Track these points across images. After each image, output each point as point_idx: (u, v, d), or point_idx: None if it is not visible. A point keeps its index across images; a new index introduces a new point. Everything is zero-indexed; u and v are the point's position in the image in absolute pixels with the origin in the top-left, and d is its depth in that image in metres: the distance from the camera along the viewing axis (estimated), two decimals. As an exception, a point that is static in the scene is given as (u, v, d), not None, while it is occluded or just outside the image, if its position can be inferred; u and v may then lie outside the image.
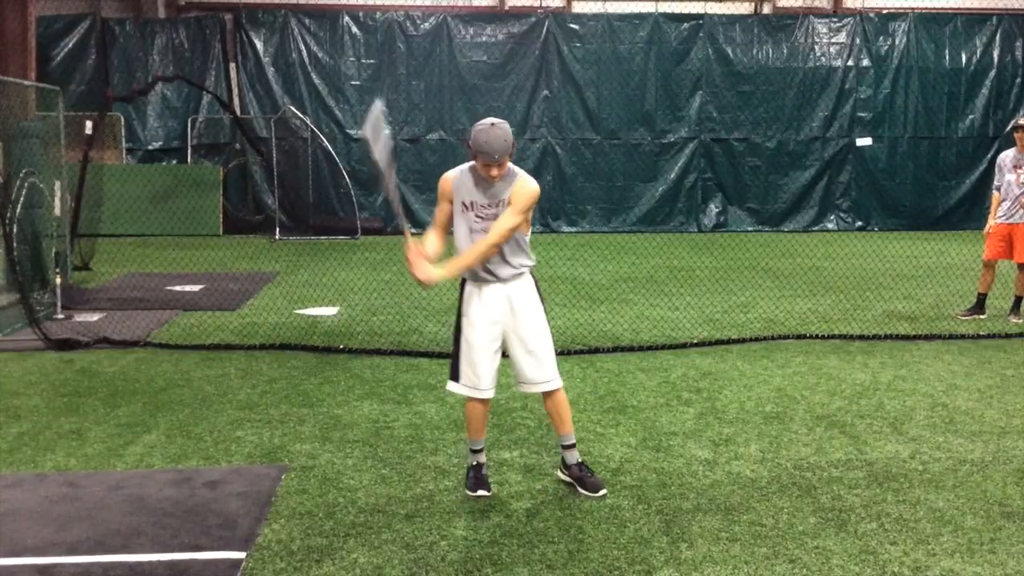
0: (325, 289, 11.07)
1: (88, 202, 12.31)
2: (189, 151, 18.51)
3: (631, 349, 8.02)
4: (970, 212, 18.95)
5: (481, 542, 4.16)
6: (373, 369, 7.38)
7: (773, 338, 8.45)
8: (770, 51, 18.89)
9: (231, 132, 18.51)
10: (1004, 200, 9.26)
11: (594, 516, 4.45)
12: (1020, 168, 9.14)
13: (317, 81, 18.52)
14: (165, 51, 18.53)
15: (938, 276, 11.46)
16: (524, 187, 4.49)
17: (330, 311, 9.93)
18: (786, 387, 6.82)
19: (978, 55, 19.00)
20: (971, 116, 19.14)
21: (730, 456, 5.30)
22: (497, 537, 4.21)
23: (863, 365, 7.49)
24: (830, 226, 19.20)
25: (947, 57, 18.99)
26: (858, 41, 18.94)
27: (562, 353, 6.97)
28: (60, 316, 9.30)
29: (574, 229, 18.83)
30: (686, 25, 18.71)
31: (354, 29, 18.50)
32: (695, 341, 8.31)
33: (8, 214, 9.09)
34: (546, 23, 18.64)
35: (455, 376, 4.71)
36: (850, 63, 18.97)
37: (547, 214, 18.55)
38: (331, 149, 17.93)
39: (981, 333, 8.66)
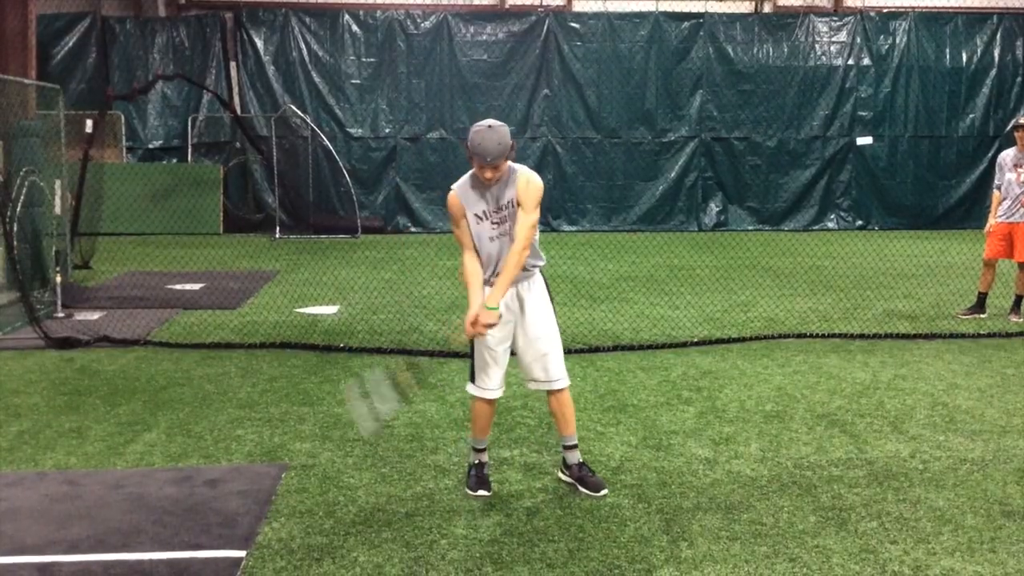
0: (325, 288, 11.07)
1: (88, 201, 12.31)
2: (189, 150, 18.52)
3: (631, 348, 8.02)
4: (970, 211, 18.95)
5: (481, 541, 4.16)
6: (373, 368, 7.37)
7: (773, 337, 8.45)
8: (771, 50, 18.89)
9: (231, 131, 18.52)
10: (1004, 199, 9.26)
11: (594, 515, 4.45)
12: (1020, 167, 9.14)
13: (317, 80, 18.52)
14: (165, 49, 18.54)
15: (938, 275, 11.46)
16: (528, 185, 4.48)
17: (330, 310, 9.93)
18: (786, 386, 6.82)
19: (979, 54, 19.00)
20: (971, 115, 19.13)
21: (730, 455, 5.30)
22: (497, 536, 4.21)
23: (863, 364, 7.49)
24: (830, 225, 19.20)
25: (948, 56, 18.98)
26: (859, 40, 18.93)
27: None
28: (60, 314, 9.30)
29: (574, 228, 18.83)
30: (686, 24, 18.71)
31: (354, 27, 18.50)
32: (695, 340, 8.31)
33: (8, 212, 9.09)
34: (546, 22, 18.63)
35: (472, 378, 4.73)
36: (851, 62, 18.97)
37: (547, 213, 18.55)
38: (331, 148, 17.94)
39: (981, 332, 8.65)
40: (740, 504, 4.58)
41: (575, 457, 4.81)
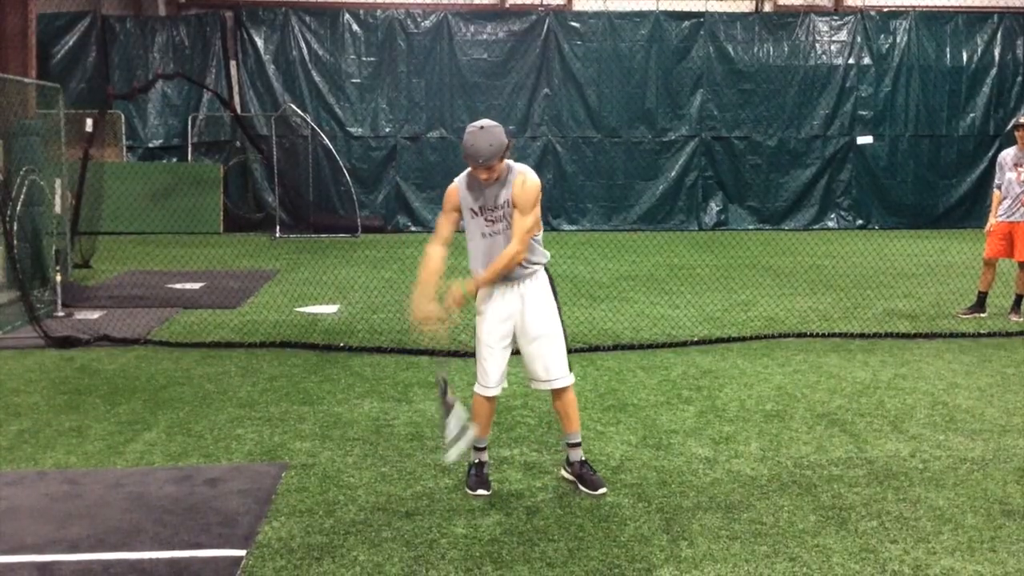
0: (325, 287, 11.07)
1: (88, 200, 12.31)
2: (189, 149, 18.52)
3: (631, 347, 8.02)
4: (971, 210, 18.94)
5: (481, 540, 4.16)
6: (373, 367, 7.38)
7: (774, 336, 8.45)
8: (771, 49, 18.88)
9: (231, 130, 18.52)
10: (1005, 198, 9.25)
11: (594, 514, 4.45)
12: (1021, 166, 9.13)
13: (317, 79, 18.51)
14: (165, 49, 18.53)
15: (939, 274, 11.46)
16: (524, 186, 4.47)
17: (330, 309, 9.93)
18: (786, 385, 6.82)
19: (979, 53, 18.99)
20: (972, 114, 19.12)
21: (730, 454, 5.30)
22: (497, 535, 4.21)
23: (863, 363, 7.49)
24: (831, 224, 19.19)
25: (948, 55, 18.97)
26: (859, 39, 18.92)
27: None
28: (60, 314, 9.30)
29: (575, 227, 18.83)
30: (687, 23, 18.70)
31: (354, 27, 18.49)
32: (695, 339, 8.31)
33: (8, 212, 9.09)
34: (547, 21, 18.63)
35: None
36: (851, 61, 18.96)
37: (548, 212, 18.53)
38: (331, 147, 17.93)
39: (982, 331, 8.65)
40: (740, 503, 4.58)
41: (577, 455, 4.82)
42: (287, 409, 6.22)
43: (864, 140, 19.05)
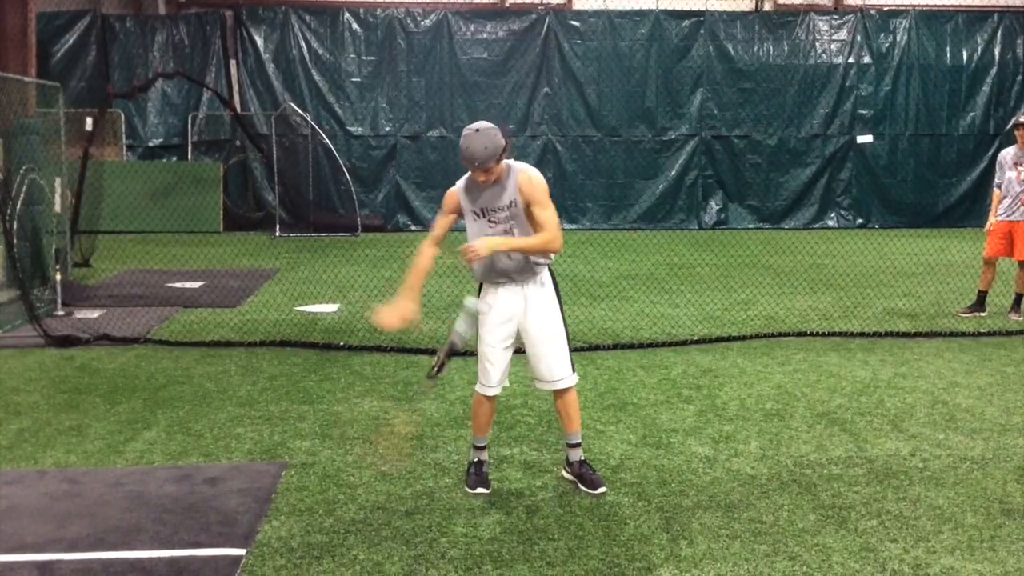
0: (325, 286, 11.07)
1: (88, 199, 12.29)
2: (189, 148, 18.51)
3: (631, 346, 8.02)
4: (971, 209, 18.92)
5: (481, 539, 4.16)
6: (373, 366, 7.38)
7: (773, 335, 8.45)
8: (771, 48, 18.87)
9: (231, 129, 18.50)
10: (1005, 197, 9.25)
11: (594, 513, 4.45)
12: (1021, 165, 9.13)
13: (317, 78, 18.50)
14: (165, 47, 18.52)
15: (939, 273, 11.46)
16: (532, 183, 4.46)
17: (330, 308, 9.93)
18: (786, 384, 6.82)
19: (979, 52, 18.97)
20: (972, 113, 19.11)
21: (730, 453, 5.30)
22: (497, 534, 4.21)
23: (863, 362, 7.49)
24: (831, 223, 19.18)
25: (948, 54, 18.96)
26: (859, 38, 18.91)
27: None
28: (60, 313, 9.30)
29: (574, 226, 18.81)
30: (687, 22, 18.69)
31: (354, 26, 18.48)
32: (695, 338, 8.30)
33: (8, 211, 9.09)
34: (547, 20, 18.62)
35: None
36: (851, 60, 18.94)
37: (548, 211, 18.51)
38: (331, 146, 17.92)
39: (981, 331, 8.65)
40: (740, 502, 4.58)
41: (577, 455, 4.82)
42: (287, 408, 6.23)
43: (864, 139, 19.04)
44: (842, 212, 19.28)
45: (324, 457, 5.24)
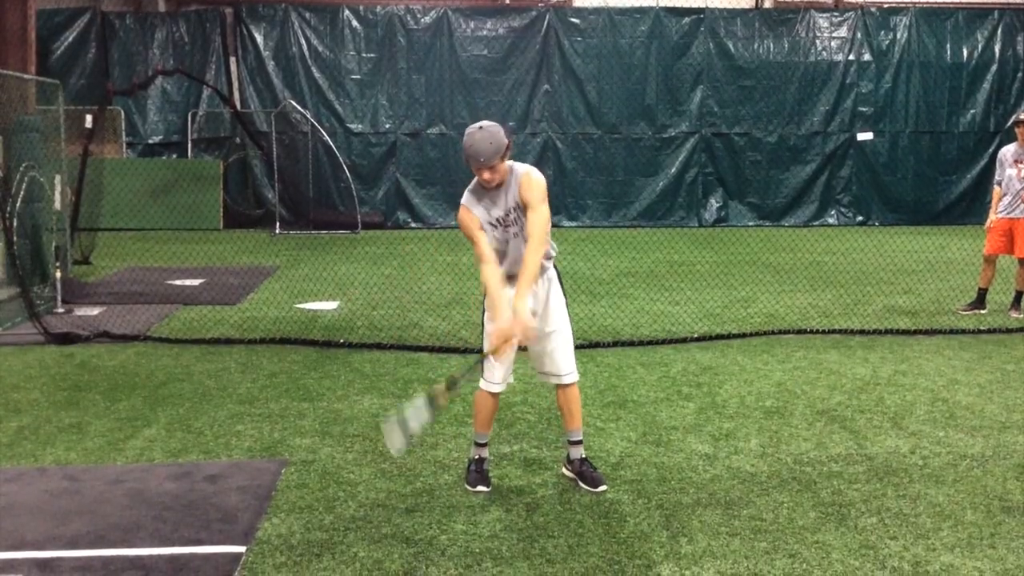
0: (325, 283, 11.07)
1: (88, 196, 12.31)
2: (189, 145, 18.50)
3: (631, 344, 8.02)
4: (971, 207, 18.91)
5: (481, 536, 4.16)
6: (373, 363, 7.38)
7: (773, 333, 8.45)
8: (771, 45, 18.85)
9: (231, 126, 18.50)
10: (1005, 195, 9.25)
11: (594, 511, 4.45)
12: (1021, 163, 9.13)
13: (317, 75, 18.49)
14: (165, 45, 18.51)
15: (939, 271, 11.46)
16: (529, 182, 4.46)
17: (330, 305, 9.93)
18: (786, 382, 6.82)
19: (979, 50, 18.96)
20: (972, 111, 19.09)
21: (730, 451, 5.30)
22: (497, 531, 4.21)
23: (863, 360, 7.49)
24: (831, 221, 19.17)
25: (948, 52, 18.94)
26: (859, 35, 18.89)
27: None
28: (60, 310, 9.30)
29: (574, 224, 18.81)
30: (687, 19, 18.67)
31: (354, 23, 18.46)
32: (695, 336, 8.30)
33: (8, 208, 9.09)
34: (547, 17, 18.60)
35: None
36: (851, 57, 18.92)
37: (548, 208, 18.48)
38: (331, 143, 17.92)
39: (981, 328, 8.65)
40: (740, 500, 4.58)
41: (578, 452, 4.82)
42: (287, 405, 6.22)
43: (864, 136, 19.03)
44: (842, 209, 19.27)
45: (324, 454, 5.24)
